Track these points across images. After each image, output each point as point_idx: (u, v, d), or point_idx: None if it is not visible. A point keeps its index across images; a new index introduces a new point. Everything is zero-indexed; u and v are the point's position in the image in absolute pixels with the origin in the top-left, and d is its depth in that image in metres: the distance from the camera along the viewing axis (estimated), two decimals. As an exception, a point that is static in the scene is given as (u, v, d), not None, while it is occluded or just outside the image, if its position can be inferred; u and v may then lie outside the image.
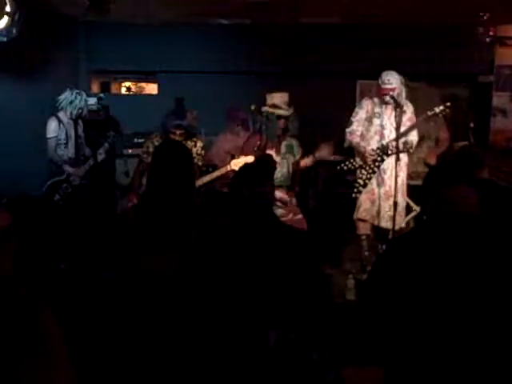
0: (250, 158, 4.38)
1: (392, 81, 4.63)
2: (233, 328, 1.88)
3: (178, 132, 4.34)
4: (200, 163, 4.49)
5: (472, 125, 5.71)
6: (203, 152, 4.52)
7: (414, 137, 4.83)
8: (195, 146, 4.47)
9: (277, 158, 4.49)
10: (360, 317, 2.14)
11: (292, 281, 2.06)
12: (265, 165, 2.46)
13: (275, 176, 4.35)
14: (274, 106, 4.50)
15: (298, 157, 4.55)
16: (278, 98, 4.53)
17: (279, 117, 4.48)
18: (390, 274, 2.00)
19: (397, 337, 1.95)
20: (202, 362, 1.90)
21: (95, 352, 1.96)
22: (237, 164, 4.34)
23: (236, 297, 2.02)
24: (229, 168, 4.36)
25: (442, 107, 4.74)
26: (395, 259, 2.04)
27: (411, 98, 4.93)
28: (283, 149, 4.56)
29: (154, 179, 2.66)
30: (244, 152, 4.60)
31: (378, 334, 2.02)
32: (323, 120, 6.62)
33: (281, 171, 4.47)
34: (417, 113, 4.89)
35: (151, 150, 4.46)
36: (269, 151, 4.56)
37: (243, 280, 2.04)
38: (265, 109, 4.53)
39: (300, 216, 4.60)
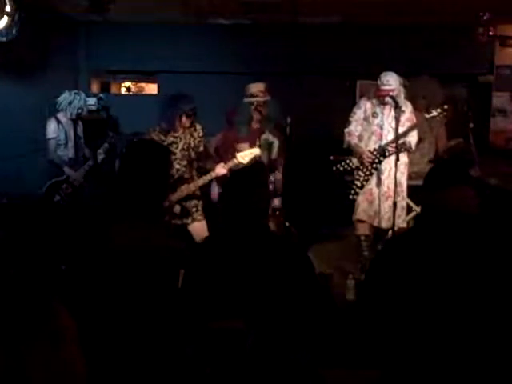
0: (256, 151, 4.36)
1: (391, 82, 4.63)
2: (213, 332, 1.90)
3: (191, 114, 4.30)
4: (203, 145, 4.47)
5: (472, 125, 5.70)
6: (204, 133, 4.49)
7: (413, 137, 4.83)
8: (195, 130, 4.42)
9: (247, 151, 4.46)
10: (358, 317, 2.14)
11: (281, 288, 2.04)
12: (255, 174, 2.35)
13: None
14: (251, 96, 4.65)
15: (273, 155, 4.72)
16: (254, 88, 4.69)
17: (256, 105, 4.62)
18: (387, 273, 2.01)
19: (394, 337, 1.96)
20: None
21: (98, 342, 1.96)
22: (243, 157, 4.30)
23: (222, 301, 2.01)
24: (236, 162, 4.29)
25: (439, 110, 4.76)
26: (392, 259, 2.04)
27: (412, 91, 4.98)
28: (261, 142, 4.61)
29: (123, 181, 2.37)
30: (224, 148, 4.65)
31: (375, 334, 2.02)
32: (323, 120, 6.62)
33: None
34: (418, 104, 4.92)
35: None
36: (241, 145, 4.57)
37: (229, 286, 2.03)
38: (244, 100, 4.66)
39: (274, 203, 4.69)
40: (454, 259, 1.90)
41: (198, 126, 4.41)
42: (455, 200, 2.01)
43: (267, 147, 4.71)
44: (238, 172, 2.40)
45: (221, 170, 4.26)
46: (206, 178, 4.32)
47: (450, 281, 1.88)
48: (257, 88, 4.68)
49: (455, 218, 1.98)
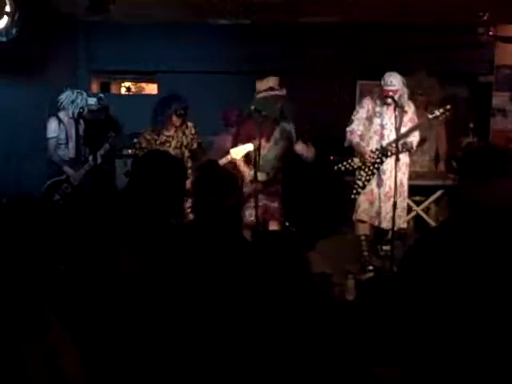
0: (249, 146, 4.37)
1: (395, 82, 4.62)
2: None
3: (182, 113, 4.39)
4: (196, 143, 4.52)
5: (472, 125, 5.71)
6: (196, 131, 4.58)
7: (414, 137, 4.82)
8: (187, 127, 4.54)
9: (266, 145, 4.49)
10: (386, 312, 2.08)
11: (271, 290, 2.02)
12: (216, 175, 2.32)
13: (261, 162, 4.42)
14: (271, 89, 4.58)
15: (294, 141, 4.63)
16: (273, 81, 4.63)
17: (276, 99, 4.54)
18: (419, 269, 1.90)
19: (421, 336, 1.89)
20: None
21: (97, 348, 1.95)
22: (237, 153, 4.33)
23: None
24: (229, 158, 4.34)
25: (442, 110, 4.75)
26: (424, 255, 1.92)
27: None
28: (277, 134, 4.58)
29: (136, 190, 2.28)
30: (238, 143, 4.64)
31: (401, 331, 1.95)
32: (323, 120, 6.62)
33: (267, 157, 4.47)
34: (416, 101, 4.94)
35: (144, 145, 4.50)
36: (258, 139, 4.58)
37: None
38: (260, 95, 4.56)
39: (276, 204, 4.64)
40: (488, 257, 1.80)
41: (190, 124, 4.58)
42: (500, 193, 1.86)
43: (286, 136, 4.66)
44: (198, 175, 2.39)
45: None
46: None
47: (485, 279, 1.77)
48: (274, 82, 4.65)
49: (500, 214, 1.83)
